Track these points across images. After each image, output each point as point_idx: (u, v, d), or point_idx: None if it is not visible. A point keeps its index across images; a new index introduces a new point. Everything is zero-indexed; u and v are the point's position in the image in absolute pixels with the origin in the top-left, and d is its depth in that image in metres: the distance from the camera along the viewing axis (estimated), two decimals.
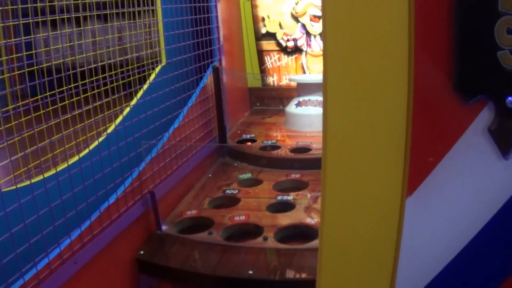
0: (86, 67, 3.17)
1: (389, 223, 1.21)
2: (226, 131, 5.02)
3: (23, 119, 2.74)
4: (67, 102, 3.01)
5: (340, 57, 1.21)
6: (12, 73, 2.70)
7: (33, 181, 2.72)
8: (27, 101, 2.76)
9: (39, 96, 2.81)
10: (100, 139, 3.30)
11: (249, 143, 5.15)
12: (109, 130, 3.37)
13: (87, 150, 3.15)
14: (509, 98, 1.16)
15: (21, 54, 2.71)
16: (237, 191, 4.18)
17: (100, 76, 3.29)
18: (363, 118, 1.20)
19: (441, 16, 1.18)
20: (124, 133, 3.41)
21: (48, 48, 3.00)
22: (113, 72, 3.40)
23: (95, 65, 3.26)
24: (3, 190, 2.52)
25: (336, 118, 1.23)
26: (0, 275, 2.44)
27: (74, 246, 2.89)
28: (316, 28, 6.18)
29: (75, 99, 3.03)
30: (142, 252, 3.37)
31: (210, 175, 4.57)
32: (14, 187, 2.60)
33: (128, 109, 3.64)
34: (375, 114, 1.20)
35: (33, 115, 2.79)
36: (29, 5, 2.83)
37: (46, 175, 2.82)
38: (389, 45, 1.18)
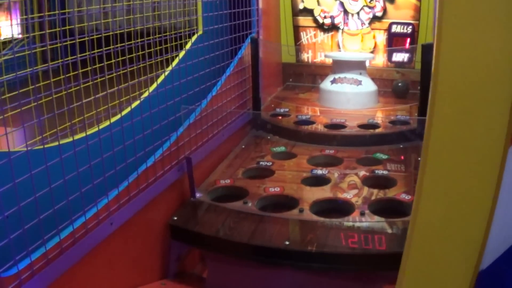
0: (117, 31, 3.13)
1: (491, 169, 1.16)
2: (261, 104, 4.97)
3: (62, 76, 2.71)
4: (106, 63, 2.98)
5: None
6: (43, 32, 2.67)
7: (75, 138, 2.70)
8: (71, 58, 2.72)
9: (79, 56, 2.77)
10: (141, 99, 3.27)
11: (280, 117, 5.11)
12: (150, 91, 3.34)
13: (128, 109, 3.12)
14: None
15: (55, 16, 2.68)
16: (271, 163, 4.14)
17: (139, 40, 3.26)
18: (472, 69, 1.15)
19: None
20: (164, 96, 3.37)
21: (82, 8, 2.96)
22: (149, 37, 3.36)
23: (128, 29, 3.22)
24: (46, 146, 2.50)
25: (447, 69, 1.18)
26: (38, 231, 2.42)
27: (110, 207, 2.87)
28: (354, 6, 6.10)
29: (112, 61, 3.00)
30: (175, 218, 3.34)
31: (243, 146, 4.54)
32: (57, 143, 2.57)
33: (167, 73, 3.61)
34: (485, 65, 1.15)
35: (71, 73, 2.76)
36: None
37: (88, 132, 2.79)
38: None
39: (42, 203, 2.43)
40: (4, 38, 6.13)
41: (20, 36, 5.66)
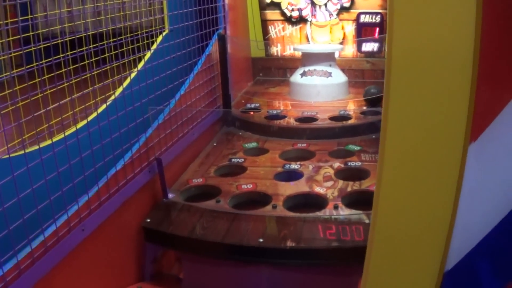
0: (83, 34, 3.10)
1: (451, 168, 1.15)
2: (231, 100, 4.96)
3: (28, 83, 2.67)
4: (72, 67, 2.94)
5: None
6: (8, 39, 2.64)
7: (41, 145, 2.66)
8: (32, 66, 2.68)
9: (43, 61, 2.74)
10: (108, 103, 3.24)
11: (252, 113, 5.09)
12: (116, 95, 3.31)
13: (94, 114, 3.09)
14: None
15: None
16: (243, 159, 4.13)
17: (104, 42, 3.23)
18: (428, 61, 1.14)
19: None
20: (131, 98, 3.34)
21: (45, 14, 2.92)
22: (115, 39, 3.33)
23: (94, 31, 3.19)
24: (11, 155, 2.46)
25: (401, 61, 1.17)
26: (7, 242, 2.39)
27: (81, 213, 2.84)
28: None
29: (78, 64, 2.96)
30: (148, 220, 3.32)
31: (215, 144, 4.52)
32: (23, 151, 2.54)
33: (134, 75, 3.58)
34: (441, 61, 1.14)
35: (37, 79, 2.72)
36: None
37: (54, 139, 2.76)
38: None
39: (10, 213, 2.40)
40: None
41: None
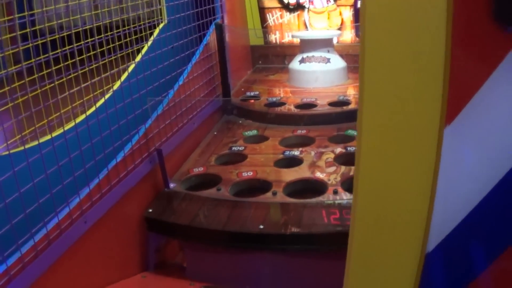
0: (81, 28, 3.12)
1: (427, 151, 1.18)
2: (230, 89, 4.98)
3: (27, 79, 2.70)
4: (70, 61, 2.98)
5: None
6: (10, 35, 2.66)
7: (41, 140, 2.70)
8: (30, 62, 2.71)
9: (41, 57, 2.77)
10: (106, 96, 3.27)
11: (252, 101, 5.12)
12: (115, 87, 3.34)
13: (93, 108, 3.12)
14: None
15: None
16: (243, 147, 4.16)
17: (102, 35, 3.25)
18: (401, 44, 1.17)
19: None
20: (129, 90, 3.38)
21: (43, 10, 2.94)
22: (112, 32, 3.36)
23: (93, 24, 3.21)
24: (12, 151, 2.49)
25: (375, 46, 1.19)
26: (10, 236, 2.42)
27: (83, 205, 2.88)
28: None
29: (76, 59, 2.99)
30: (150, 210, 3.36)
31: (215, 133, 4.55)
32: (22, 147, 2.57)
33: (132, 66, 3.61)
34: (414, 42, 1.16)
35: (36, 75, 2.75)
36: None
37: (54, 134, 2.79)
38: None
39: (13, 207, 2.43)
40: None
41: None
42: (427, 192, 1.20)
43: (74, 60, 2.97)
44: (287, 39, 6.35)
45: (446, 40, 1.13)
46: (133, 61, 3.63)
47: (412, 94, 1.17)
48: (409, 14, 1.16)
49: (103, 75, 3.19)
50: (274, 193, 3.34)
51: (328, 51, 5.42)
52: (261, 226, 3.03)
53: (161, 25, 4.25)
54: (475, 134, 1.19)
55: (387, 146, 1.21)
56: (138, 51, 3.79)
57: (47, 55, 2.77)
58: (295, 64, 5.45)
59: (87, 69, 3.05)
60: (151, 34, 4.02)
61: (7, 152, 2.46)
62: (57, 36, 2.88)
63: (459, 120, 1.17)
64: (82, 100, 3.01)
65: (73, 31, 2.99)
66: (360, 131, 1.22)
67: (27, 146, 2.62)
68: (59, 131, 2.85)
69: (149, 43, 3.92)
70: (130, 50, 3.55)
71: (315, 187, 3.42)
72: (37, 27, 2.88)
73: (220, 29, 4.77)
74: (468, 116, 1.17)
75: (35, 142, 2.69)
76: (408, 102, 1.18)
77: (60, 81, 2.84)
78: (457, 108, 1.16)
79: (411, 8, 1.16)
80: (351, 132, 4.25)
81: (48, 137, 2.77)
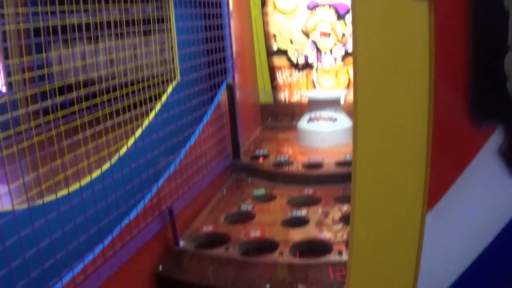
0: (99, 86, 3.25)
1: (411, 235, 1.31)
2: (240, 148, 5.10)
3: (45, 135, 2.82)
4: (86, 119, 3.10)
5: (369, 86, 1.32)
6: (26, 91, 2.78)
7: (58, 195, 2.81)
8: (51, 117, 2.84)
9: (59, 113, 2.90)
10: (121, 153, 3.38)
11: (261, 160, 5.23)
12: (128, 146, 3.46)
13: (108, 165, 3.23)
14: None
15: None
16: (251, 206, 4.25)
17: (118, 93, 3.38)
18: (388, 139, 1.30)
19: (459, 49, 1.29)
20: (143, 149, 3.49)
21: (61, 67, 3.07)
22: (129, 90, 3.49)
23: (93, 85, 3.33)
24: (32, 206, 2.60)
25: (365, 139, 1.33)
26: None
27: (97, 261, 2.97)
28: (326, 44, 6.28)
29: (92, 116, 3.12)
30: (160, 267, 3.45)
31: (224, 191, 4.65)
32: (41, 201, 2.68)
33: (145, 125, 3.73)
34: (400, 137, 1.30)
35: (54, 132, 2.87)
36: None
37: (70, 190, 2.90)
38: (413, 76, 1.29)
39: (31, 262, 2.53)
40: None
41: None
42: (411, 271, 1.32)
43: (91, 117, 3.10)
44: (296, 98, 6.49)
45: (428, 134, 1.26)
46: (146, 119, 3.75)
47: (398, 185, 1.30)
48: (395, 106, 1.30)
49: (114, 134, 3.30)
50: (281, 253, 3.43)
51: (335, 110, 5.55)
52: (268, 286, 3.11)
53: (174, 83, 4.37)
54: (453, 218, 1.32)
55: (375, 232, 1.33)
56: (152, 109, 3.91)
57: (64, 110, 2.89)
58: (303, 124, 5.58)
59: (102, 126, 3.17)
60: (164, 91, 4.14)
61: (21, 207, 2.56)
62: (74, 95, 3.00)
63: (439, 206, 1.30)
64: (95, 157, 3.12)
65: (90, 89, 3.11)
66: (353, 219, 1.35)
67: (40, 202, 2.73)
68: (75, 186, 2.96)
69: (163, 100, 4.03)
70: (144, 109, 3.67)
71: (320, 247, 3.51)
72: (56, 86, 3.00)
73: (231, 90, 4.91)
74: (447, 203, 1.30)
75: (52, 197, 2.79)
76: (396, 195, 1.31)
77: (76, 139, 2.96)
78: (437, 196, 1.29)
79: (396, 99, 1.29)
80: None
81: (65, 192, 2.87)
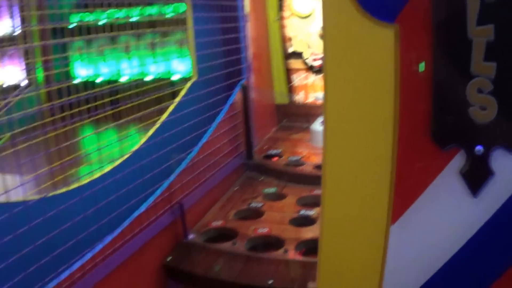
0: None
1: (376, 245, 1.42)
2: (253, 147, 5.19)
3: (61, 130, 2.95)
4: (103, 114, 3.23)
5: (338, 102, 1.43)
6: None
7: (69, 188, 2.94)
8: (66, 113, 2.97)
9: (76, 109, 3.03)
10: (134, 149, 3.50)
11: (276, 158, 5.32)
12: (142, 142, 3.58)
13: (120, 161, 3.35)
14: (478, 147, 1.38)
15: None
16: (262, 204, 4.35)
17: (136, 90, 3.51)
18: (356, 155, 1.42)
19: (424, 75, 1.40)
20: (157, 145, 3.61)
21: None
22: (146, 87, 3.60)
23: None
24: (49, 195, 2.73)
25: (334, 153, 1.44)
26: (38, 274, 2.64)
27: (106, 251, 3.09)
28: None
29: (113, 111, 3.24)
30: (169, 259, 3.57)
31: (236, 188, 4.76)
32: (59, 191, 2.81)
33: (161, 121, 3.84)
34: (366, 154, 1.41)
35: (69, 127, 3.00)
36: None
37: (83, 182, 3.03)
38: (378, 97, 1.40)
39: (43, 249, 2.66)
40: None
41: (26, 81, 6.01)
42: (376, 279, 1.43)
43: (107, 113, 3.22)
44: (311, 99, 6.58)
45: (392, 155, 1.37)
46: (161, 117, 3.86)
47: (364, 199, 1.42)
48: (362, 127, 1.41)
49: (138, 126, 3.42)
50: (286, 251, 3.52)
51: None
52: (270, 281, 3.21)
53: (191, 82, 4.46)
54: (414, 232, 1.43)
55: (343, 242, 1.46)
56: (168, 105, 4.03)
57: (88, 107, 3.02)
58: (316, 125, 5.66)
59: (123, 120, 3.30)
60: (181, 89, 4.25)
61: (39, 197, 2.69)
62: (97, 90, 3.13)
63: (402, 220, 1.41)
64: (110, 151, 3.24)
65: (111, 86, 3.23)
66: (322, 230, 1.47)
67: (59, 192, 2.86)
68: (88, 180, 3.08)
69: (180, 98, 4.14)
70: (162, 105, 3.79)
71: None
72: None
73: (245, 90, 5.00)
74: (410, 217, 1.42)
75: (66, 188, 2.92)
76: (362, 206, 1.43)
77: (93, 132, 3.09)
78: (401, 211, 1.41)
79: (363, 122, 1.41)
80: None
81: (76, 185, 3.00)
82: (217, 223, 4.02)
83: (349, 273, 1.51)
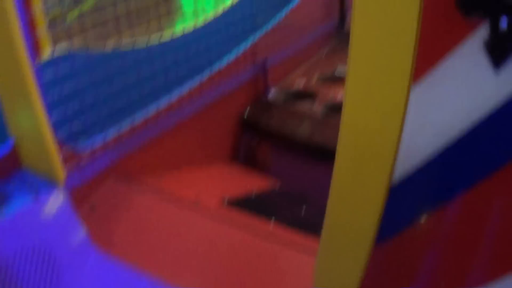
0: None
1: (397, 104, 1.45)
2: (346, 16, 5.12)
3: None
4: None
5: None
6: None
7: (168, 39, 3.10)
8: None
9: None
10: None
11: None
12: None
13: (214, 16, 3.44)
14: (503, 18, 1.35)
15: None
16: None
17: None
18: (384, 17, 1.42)
19: None
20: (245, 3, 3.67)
21: None
22: None
23: None
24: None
25: (364, 17, 1.45)
26: (127, 108, 2.89)
27: (192, 95, 3.27)
28: None
29: None
30: (247, 113, 3.71)
31: (324, 53, 4.77)
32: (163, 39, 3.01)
33: None
34: (392, 22, 1.41)
35: None
36: None
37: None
38: None
39: (132, 87, 2.90)
40: None
41: None
42: (395, 135, 1.47)
43: None
44: None
45: (418, 19, 1.38)
46: None
47: (390, 53, 1.44)
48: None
49: None
50: None
51: None
52: None
53: None
54: (436, 96, 1.44)
55: (368, 96, 1.49)
56: None
57: None
58: None
59: None
60: None
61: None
62: None
63: (424, 81, 1.43)
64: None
65: None
66: (347, 85, 1.51)
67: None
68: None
69: None
70: None
71: None
72: None
73: None
74: (432, 80, 1.42)
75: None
76: (386, 62, 1.45)
77: None
78: (423, 70, 1.42)
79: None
80: None
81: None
82: (299, 84, 4.10)
83: (369, 133, 1.56)
